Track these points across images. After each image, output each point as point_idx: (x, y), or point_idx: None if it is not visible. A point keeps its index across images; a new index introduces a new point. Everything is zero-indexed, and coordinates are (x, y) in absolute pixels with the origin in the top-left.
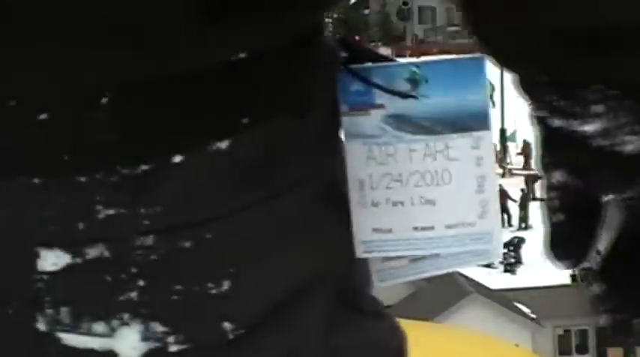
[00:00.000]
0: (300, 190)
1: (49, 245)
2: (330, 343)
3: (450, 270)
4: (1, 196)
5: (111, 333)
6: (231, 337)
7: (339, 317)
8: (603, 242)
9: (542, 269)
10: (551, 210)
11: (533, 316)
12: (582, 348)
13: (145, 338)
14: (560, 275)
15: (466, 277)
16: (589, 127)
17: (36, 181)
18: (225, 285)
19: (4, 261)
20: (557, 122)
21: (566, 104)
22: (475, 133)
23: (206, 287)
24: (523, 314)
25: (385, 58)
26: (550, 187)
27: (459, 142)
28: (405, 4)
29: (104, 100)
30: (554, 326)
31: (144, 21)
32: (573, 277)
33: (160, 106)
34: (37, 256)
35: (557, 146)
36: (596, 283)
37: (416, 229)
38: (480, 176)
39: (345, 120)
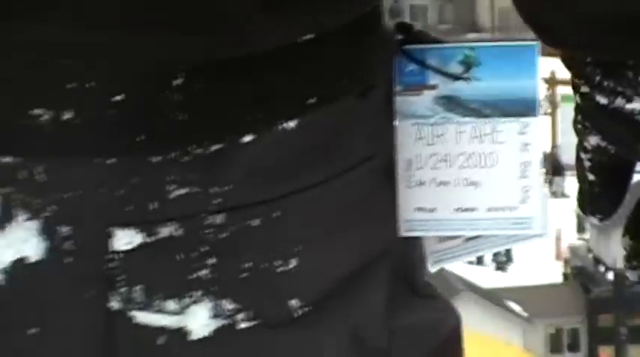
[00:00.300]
0: (363, 169)
1: (123, 225)
2: (390, 323)
3: (503, 248)
4: (75, 177)
5: (182, 311)
6: (298, 314)
7: (397, 297)
8: (630, 203)
9: (533, 267)
10: (582, 170)
11: (524, 314)
12: (574, 346)
13: (215, 315)
14: (551, 274)
15: (457, 276)
16: (634, 106)
17: (110, 161)
18: (293, 262)
19: (81, 240)
20: (600, 99)
21: (612, 84)
22: (523, 119)
23: (274, 265)
24: (514, 313)
25: (439, 41)
26: (583, 149)
27: (507, 127)
28: (395, 0)
29: (177, 82)
30: (545, 325)
31: (215, 3)
32: (565, 275)
33: (231, 86)
34: (110, 235)
35: (594, 115)
36: (624, 239)
37: (458, 210)
38: (524, 162)
39: (398, 100)
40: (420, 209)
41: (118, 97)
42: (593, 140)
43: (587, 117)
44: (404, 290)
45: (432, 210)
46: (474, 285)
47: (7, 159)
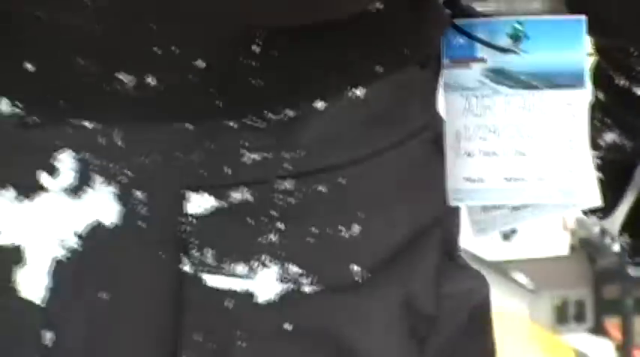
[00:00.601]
0: (420, 138)
1: (197, 189)
2: (439, 290)
3: (548, 216)
4: (153, 142)
5: (250, 274)
6: (359, 279)
7: (444, 265)
8: (629, 199)
9: (539, 238)
10: None
11: (530, 286)
12: (580, 317)
13: (282, 279)
14: (558, 245)
15: (461, 247)
16: None
17: (188, 126)
18: (356, 229)
19: (155, 205)
20: (638, 91)
21: None
22: (570, 91)
23: (338, 231)
24: (520, 284)
25: (486, 15)
26: (595, 146)
27: (554, 98)
28: None
29: (254, 48)
30: (551, 296)
31: None
32: (572, 247)
33: (305, 54)
34: (185, 199)
35: (621, 110)
36: (623, 237)
37: (507, 179)
38: (571, 132)
39: (446, 72)
40: (468, 179)
41: (199, 63)
42: (609, 137)
43: (609, 112)
44: (446, 258)
45: (480, 180)
46: (478, 257)
47: (87, 123)
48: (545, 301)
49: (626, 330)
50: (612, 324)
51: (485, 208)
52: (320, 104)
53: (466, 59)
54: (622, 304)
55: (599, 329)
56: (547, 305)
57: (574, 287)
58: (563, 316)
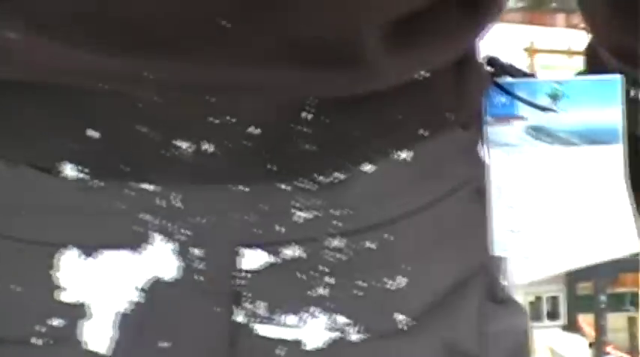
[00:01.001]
0: (462, 193)
1: (251, 246)
2: (481, 332)
3: (592, 263)
4: (210, 203)
5: (300, 324)
6: (403, 327)
7: (485, 308)
8: None
9: None
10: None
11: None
12: (553, 314)
13: (330, 329)
14: None
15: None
16: None
17: (242, 188)
18: (401, 280)
19: (212, 260)
20: None
21: None
22: (607, 146)
23: (384, 283)
24: None
25: (527, 74)
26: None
27: (592, 154)
28: None
29: (307, 115)
30: (525, 293)
31: (345, 45)
32: None
33: (354, 119)
34: (239, 255)
35: None
36: None
37: (548, 231)
38: (610, 186)
39: (488, 129)
40: (511, 230)
41: (254, 130)
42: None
43: None
44: (489, 300)
45: (522, 231)
46: None
47: (147, 186)
48: (519, 297)
49: (599, 326)
50: (585, 320)
51: (527, 257)
52: (368, 167)
53: (507, 117)
54: (595, 300)
55: (572, 326)
56: (520, 301)
57: (548, 284)
58: (537, 312)
